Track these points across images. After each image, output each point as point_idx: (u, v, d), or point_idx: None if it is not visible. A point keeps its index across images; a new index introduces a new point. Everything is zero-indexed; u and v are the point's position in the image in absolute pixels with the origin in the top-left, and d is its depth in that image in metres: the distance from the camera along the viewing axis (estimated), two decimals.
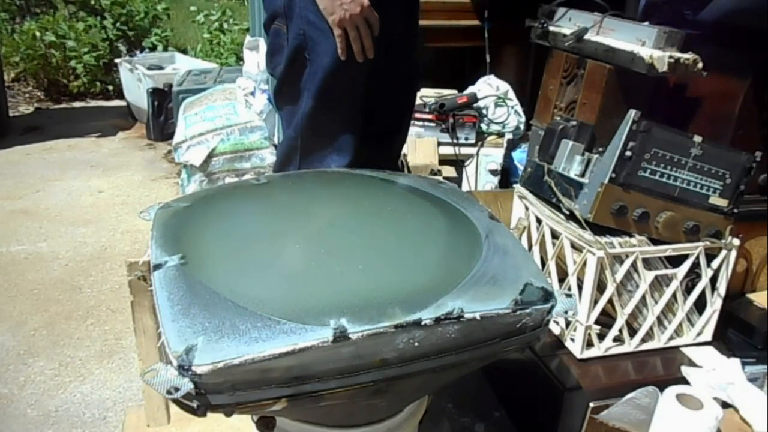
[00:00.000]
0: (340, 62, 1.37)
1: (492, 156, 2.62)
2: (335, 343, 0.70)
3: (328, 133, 1.46)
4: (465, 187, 2.60)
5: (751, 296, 1.59)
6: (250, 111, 2.94)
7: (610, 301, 1.30)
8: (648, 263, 1.31)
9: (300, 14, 1.37)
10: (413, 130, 2.43)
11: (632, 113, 1.24)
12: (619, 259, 1.28)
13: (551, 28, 1.59)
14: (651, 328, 1.35)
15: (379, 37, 1.38)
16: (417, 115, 2.49)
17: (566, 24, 1.58)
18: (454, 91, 2.65)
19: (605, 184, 1.26)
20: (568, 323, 1.36)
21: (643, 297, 1.31)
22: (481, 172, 2.64)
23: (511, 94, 2.67)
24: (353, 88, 1.44)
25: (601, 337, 1.34)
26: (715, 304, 1.39)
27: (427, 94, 2.58)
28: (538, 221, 1.44)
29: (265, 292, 0.78)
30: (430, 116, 2.53)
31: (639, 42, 1.38)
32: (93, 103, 4.73)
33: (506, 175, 2.67)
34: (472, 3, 2.86)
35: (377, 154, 1.58)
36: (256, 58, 3.10)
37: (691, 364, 1.34)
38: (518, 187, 1.52)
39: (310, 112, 1.44)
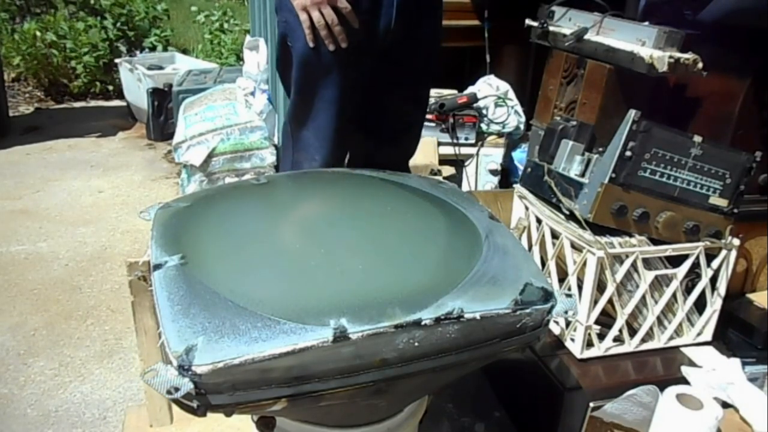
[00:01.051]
0: (311, 48, 1.36)
1: (492, 156, 2.62)
2: (335, 343, 0.70)
3: (308, 124, 1.46)
4: (465, 187, 2.60)
5: (751, 296, 1.59)
6: (250, 111, 2.94)
7: (610, 301, 1.30)
8: (648, 263, 1.31)
9: (284, 2, 1.38)
10: None
11: (632, 113, 1.24)
12: (619, 259, 1.28)
13: (551, 28, 1.59)
14: (651, 328, 1.35)
15: (372, 31, 1.37)
16: None
17: (566, 24, 1.59)
18: (454, 91, 2.65)
19: (605, 184, 1.26)
20: (568, 323, 1.36)
21: (643, 297, 1.31)
22: (481, 172, 2.64)
23: (511, 94, 2.67)
24: (332, 79, 1.41)
25: (601, 337, 1.34)
26: (715, 304, 1.39)
27: None
28: (538, 221, 1.44)
29: (265, 292, 0.78)
30: (430, 116, 2.52)
31: (639, 42, 1.38)
32: (93, 103, 4.73)
33: (506, 175, 2.67)
34: (472, 3, 2.86)
35: (388, 154, 1.59)
36: (256, 58, 3.10)
37: (691, 364, 1.34)
38: (518, 187, 1.52)
39: (293, 99, 1.45)
